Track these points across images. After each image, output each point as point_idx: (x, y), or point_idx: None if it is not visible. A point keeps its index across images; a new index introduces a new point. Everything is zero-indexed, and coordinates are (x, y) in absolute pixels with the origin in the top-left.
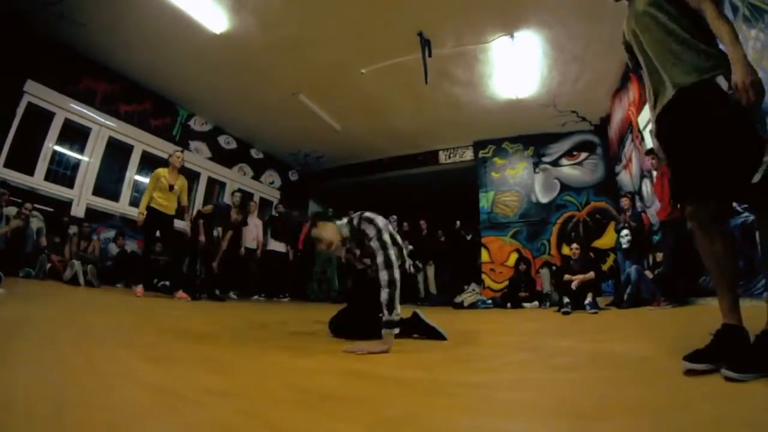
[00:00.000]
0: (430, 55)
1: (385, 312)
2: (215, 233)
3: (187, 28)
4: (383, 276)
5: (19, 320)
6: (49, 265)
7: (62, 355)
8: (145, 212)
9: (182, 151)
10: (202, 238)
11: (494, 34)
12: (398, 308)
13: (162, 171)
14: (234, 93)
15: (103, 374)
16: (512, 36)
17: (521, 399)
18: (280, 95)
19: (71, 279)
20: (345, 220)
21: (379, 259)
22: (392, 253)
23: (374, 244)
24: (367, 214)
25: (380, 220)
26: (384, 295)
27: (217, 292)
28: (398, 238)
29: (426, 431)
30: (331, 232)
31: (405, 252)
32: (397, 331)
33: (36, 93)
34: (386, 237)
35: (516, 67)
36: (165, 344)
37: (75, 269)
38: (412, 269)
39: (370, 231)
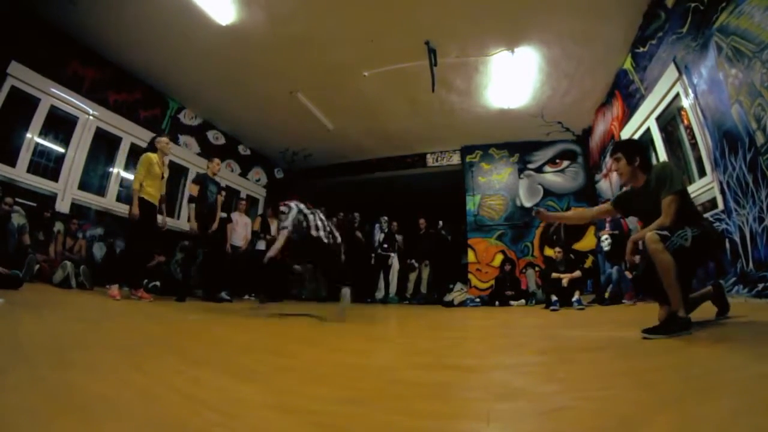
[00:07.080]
0: (435, 64)
1: None
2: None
3: (190, 16)
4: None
5: (52, 344)
6: (37, 266)
7: (157, 395)
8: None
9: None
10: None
11: (497, 48)
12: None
13: (153, 156)
14: (228, 87)
15: (218, 408)
16: (513, 51)
17: (582, 369)
18: (277, 92)
19: (62, 281)
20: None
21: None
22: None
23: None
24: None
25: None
26: None
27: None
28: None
29: (541, 396)
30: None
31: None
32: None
33: (20, 76)
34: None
35: (512, 79)
36: (223, 356)
37: (67, 271)
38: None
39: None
